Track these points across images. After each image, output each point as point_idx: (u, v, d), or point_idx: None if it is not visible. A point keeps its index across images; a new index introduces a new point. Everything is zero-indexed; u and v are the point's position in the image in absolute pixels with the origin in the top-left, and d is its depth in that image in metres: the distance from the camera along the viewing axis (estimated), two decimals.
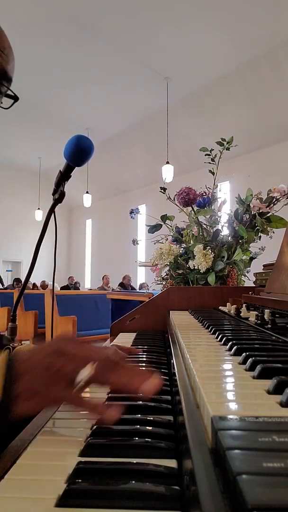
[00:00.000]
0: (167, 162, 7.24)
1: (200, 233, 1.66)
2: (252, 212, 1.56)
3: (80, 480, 0.26)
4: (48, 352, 0.38)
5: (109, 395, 0.46)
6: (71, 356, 0.38)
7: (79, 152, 0.88)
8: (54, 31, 6.23)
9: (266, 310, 0.73)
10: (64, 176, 0.92)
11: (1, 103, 0.75)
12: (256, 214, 1.55)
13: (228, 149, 1.66)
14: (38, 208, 12.53)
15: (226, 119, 7.95)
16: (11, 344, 0.59)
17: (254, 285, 1.20)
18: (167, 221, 1.78)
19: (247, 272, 1.67)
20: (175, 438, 0.33)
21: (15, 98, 0.77)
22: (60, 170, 0.93)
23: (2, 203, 13.15)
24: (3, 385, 0.34)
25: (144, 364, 0.60)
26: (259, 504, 0.15)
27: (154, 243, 1.82)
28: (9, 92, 0.74)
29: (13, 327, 0.97)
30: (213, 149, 1.66)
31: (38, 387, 0.36)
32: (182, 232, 1.73)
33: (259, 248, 1.72)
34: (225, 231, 1.63)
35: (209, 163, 1.68)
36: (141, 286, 8.73)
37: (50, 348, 0.39)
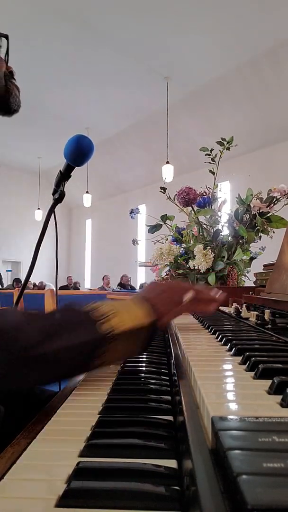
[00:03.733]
0: (167, 162, 7.24)
1: (200, 233, 1.66)
2: (252, 212, 1.56)
3: (80, 480, 0.26)
4: (162, 288, 0.60)
5: (109, 396, 0.46)
6: (175, 289, 0.61)
7: (79, 152, 0.88)
8: (54, 31, 6.23)
9: (266, 310, 0.73)
10: (64, 176, 0.92)
11: None
12: (256, 214, 1.55)
13: (228, 149, 1.66)
14: (38, 208, 12.53)
15: (226, 119, 7.95)
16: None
17: (254, 285, 1.20)
18: (167, 221, 1.78)
19: (247, 272, 1.67)
20: (175, 438, 0.33)
21: (5, 36, 0.82)
22: (60, 170, 0.93)
23: (2, 203, 13.14)
24: (145, 309, 0.52)
25: (144, 364, 0.60)
26: (259, 504, 0.15)
27: (154, 243, 1.82)
28: None
29: None
30: (213, 149, 1.66)
31: (165, 309, 0.55)
32: (182, 232, 1.73)
33: (259, 248, 1.72)
34: (225, 231, 1.63)
35: (209, 163, 1.68)
36: (142, 286, 8.72)
37: (161, 285, 0.62)
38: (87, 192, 10.14)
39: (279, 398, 0.29)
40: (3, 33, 0.81)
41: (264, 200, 1.56)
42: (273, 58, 6.64)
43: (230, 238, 1.60)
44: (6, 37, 0.81)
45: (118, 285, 8.90)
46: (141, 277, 10.93)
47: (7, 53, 0.83)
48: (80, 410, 0.43)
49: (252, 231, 1.55)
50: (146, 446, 0.32)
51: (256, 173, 6.69)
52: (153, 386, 0.49)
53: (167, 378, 0.53)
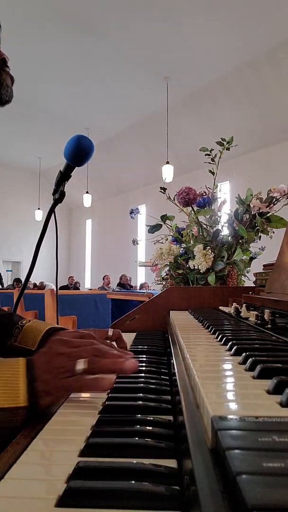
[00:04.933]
0: (167, 162, 7.24)
1: (200, 233, 1.66)
2: (252, 212, 1.56)
3: (80, 480, 0.26)
4: (50, 355, 0.50)
5: (109, 395, 0.46)
6: (68, 355, 0.49)
7: (79, 152, 0.88)
8: (54, 31, 6.23)
9: (266, 310, 0.73)
10: (64, 176, 0.92)
11: None
12: (256, 214, 1.55)
13: (228, 149, 1.66)
14: (38, 208, 12.53)
15: (226, 119, 7.95)
16: (20, 322, 0.67)
17: (254, 285, 1.20)
18: (167, 221, 1.78)
19: (247, 272, 1.67)
20: (175, 438, 0.33)
21: None
22: (60, 170, 0.93)
23: (2, 203, 13.14)
24: (27, 389, 0.43)
25: (144, 364, 0.60)
26: (259, 504, 0.15)
27: (154, 243, 1.82)
28: None
29: None
30: (213, 149, 1.66)
31: (50, 385, 0.45)
32: (182, 232, 1.73)
33: (259, 248, 1.72)
34: (225, 231, 1.63)
35: (209, 163, 1.67)
36: (142, 286, 8.73)
37: (50, 352, 0.51)
38: (87, 192, 10.15)
39: (278, 397, 0.29)
40: None
41: (263, 200, 1.56)
42: (273, 58, 6.64)
43: (230, 238, 1.60)
44: None
45: (117, 285, 8.90)
46: (141, 277, 10.93)
47: None
48: (80, 410, 0.43)
49: (252, 231, 1.55)
50: (146, 446, 0.32)
51: (256, 173, 6.69)
52: (153, 386, 0.49)
53: (167, 378, 0.53)
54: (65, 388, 0.46)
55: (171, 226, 1.79)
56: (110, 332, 0.72)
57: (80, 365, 0.47)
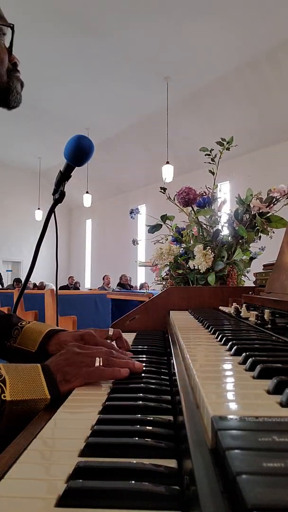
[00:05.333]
0: (167, 162, 7.24)
1: (200, 233, 1.66)
2: (252, 212, 1.56)
3: (80, 480, 0.26)
4: (69, 354, 0.55)
5: (109, 395, 0.46)
6: (86, 354, 0.55)
7: (79, 152, 0.88)
8: (54, 31, 6.23)
9: (266, 310, 0.73)
10: (64, 176, 0.92)
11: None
12: (256, 214, 1.55)
13: (228, 149, 1.66)
14: (38, 208, 12.53)
15: (226, 119, 7.95)
16: (19, 324, 0.68)
17: (254, 285, 1.20)
18: (167, 221, 1.78)
19: (247, 272, 1.67)
20: (175, 438, 0.33)
21: (11, 26, 0.80)
22: (60, 170, 0.93)
23: (2, 203, 13.14)
24: (46, 382, 0.49)
25: (144, 364, 0.60)
26: (259, 504, 0.15)
27: (154, 243, 1.82)
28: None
29: None
30: (213, 149, 1.66)
31: (71, 374, 0.51)
32: (182, 232, 1.73)
33: (259, 248, 1.72)
34: (225, 231, 1.63)
35: (209, 163, 1.67)
36: (142, 286, 8.73)
37: (68, 352, 0.55)
38: (87, 192, 10.15)
39: (278, 397, 0.29)
40: (8, 23, 0.79)
41: (263, 200, 1.56)
42: (273, 58, 6.64)
43: (230, 238, 1.60)
44: (12, 27, 0.79)
45: (117, 285, 8.90)
46: (141, 277, 10.93)
47: (11, 44, 0.80)
48: (80, 410, 0.43)
49: (252, 231, 1.55)
50: (146, 446, 0.32)
51: (256, 173, 6.69)
52: (153, 386, 0.49)
53: (167, 378, 0.53)
54: (85, 377, 0.51)
55: (171, 226, 1.79)
56: (111, 331, 0.73)
57: (98, 362, 0.54)
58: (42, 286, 10.11)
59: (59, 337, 0.70)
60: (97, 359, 0.54)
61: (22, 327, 0.72)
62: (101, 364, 0.53)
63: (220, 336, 0.57)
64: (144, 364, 0.59)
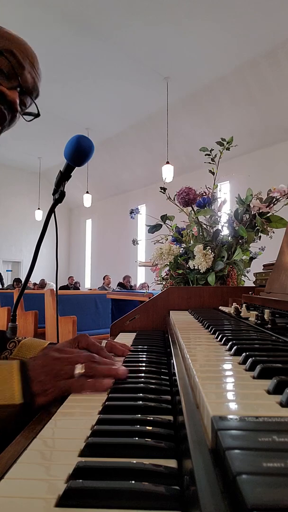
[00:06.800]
0: (167, 162, 7.24)
1: (200, 233, 1.66)
2: (252, 212, 1.56)
3: (80, 480, 0.26)
4: (47, 359, 0.51)
5: (109, 395, 0.46)
6: (65, 360, 0.51)
7: (79, 152, 0.88)
8: (54, 31, 6.23)
9: (266, 310, 0.73)
10: (64, 176, 0.92)
11: (22, 115, 0.80)
12: (256, 214, 1.55)
13: (228, 149, 1.66)
14: (38, 208, 12.53)
15: (226, 119, 7.95)
16: (15, 338, 0.67)
17: (254, 285, 1.20)
18: (167, 221, 1.78)
19: (247, 272, 1.67)
20: (175, 438, 0.33)
21: (37, 115, 0.83)
22: (60, 170, 0.93)
23: (2, 203, 13.15)
24: (21, 387, 0.45)
25: (144, 364, 0.60)
26: (259, 504, 0.15)
27: (154, 243, 1.82)
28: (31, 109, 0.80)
29: (13, 327, 0.97)
30: (213, 149, 1.66)
31: (48, 385, 0.47)
32: (182, 232, 1.73)
33: (259, 248, 1.72)
34: (225, 231, 1.63)
35: (209, 163, 1.68)
36: (142, 286, 8.73)
37: (46, 357, 0.52)
38: (87, 192, 10.15)
39: (278, 397, 0.29)
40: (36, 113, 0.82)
41: (263, 200, 1.56)
42: (273, 58, 6.64)
43: (230, 238, 1.60)
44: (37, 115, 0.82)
45: (118, 285, 8.90)
46: (141, 277, 10.93)
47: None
48: (80, 410, 0.43)
49: (252, 231, 1.55)
50: (146, 446, 0.32)
51: (256, 173, 6.70)
52: (153, 386, 0.49)
53: (167, 378, 0.53)
54: (63, 389, 0.47)
55: (171, 226, 1.79)
56: (103, 343, 0.71)
57: (78, 369, 0.50)
58: (43, 284, 10.09)
59: (57, 345, 0.68)
60: (78, 366, 0.50)
61: (19, 340, 0.71)
62: (83, 370, 0.49)
63: (220, 336, 0.57)
64: (144, 364, 0.59)
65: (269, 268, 1.07)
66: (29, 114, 0.83)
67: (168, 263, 1.68)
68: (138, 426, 0.36)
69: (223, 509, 0.17)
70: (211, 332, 0.66)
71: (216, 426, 0.23)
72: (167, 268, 1.71)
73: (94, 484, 0.26)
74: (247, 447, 0.20)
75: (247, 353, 0.42)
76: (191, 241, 1.67)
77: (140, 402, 0.43)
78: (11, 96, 0.74)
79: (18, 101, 0.76)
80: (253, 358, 0.39)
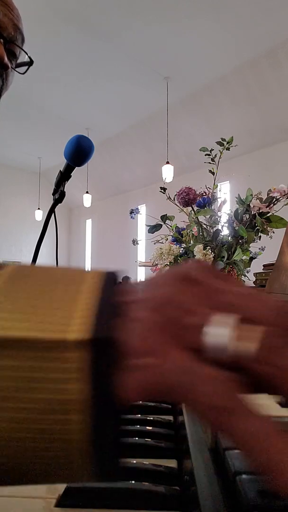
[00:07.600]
0: (167, 162, 7.24)
1: (200, 233, 1.66)
2: (252, 212, 1.56)
3: None
4: (170, 285, 0.20)
5: None
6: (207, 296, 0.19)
7: (79, 152, 0.88)
8: (54, 31, 6.23)
9: None
10: (64, 176, 0.93)
11: (15, 69, 0.70)
12: (256, 214, 1.55)
13: (228, 149, 1.66)
14: (38, 208, 12.53)
15: (226, 119, 7.95)
16: None
17: (254, 285, 1.20)
18: (167, 221, 1.78)
19: (247, 272, 1.67)
20: (175, 438, 0.33)
21: (30, 63, 0.74)
22: (60, 170, 0.93)
23: (2, 203, 13.14)
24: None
25: None
26: (259, 503, 0.15)
27: (154, 243, 1.82)
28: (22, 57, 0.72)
29: None
30: (213, 149, 1.66)
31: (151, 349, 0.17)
32: (182, 232, 1.73)
33: (259, 248, 1.72)
34: (225, 231, 1.63)
35: (209, 163, 1.68)
36: None
37: (173, 277, 0.21)
38: (87, 192, 10.15)
39: (278, 397, 0.29)
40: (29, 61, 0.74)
41: (263, 200, 1.56)
42: (273, 58, 6.65)
43: (230, 238, 1.60)
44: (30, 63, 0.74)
45: None
46: (141, 277, 10.93)
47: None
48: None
49: (252, 231, 1.55)
50: (146, 446, 0.32)
51: (256, 173, 6.70)
52: None
53: None
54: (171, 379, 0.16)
55: (171, 226, 1.79)
56: None
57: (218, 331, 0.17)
58: None
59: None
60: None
61: None
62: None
63: None
64: None
65: (269, 268, 1.07)
66: (21, 64, 0.74)
67: (168, 263, 1.68)
68: (138, 426, 0.36)
69: (222, 508, 0.17)
70: None
71: None
72: (167, 268, 1.71)
73: (94, 484, 0.26)
74: None
75: None
76: (191, 241, 1.67)
77: (140, 401, 0.43)
78: None
79: (5, 55, 0.64)
80: None
